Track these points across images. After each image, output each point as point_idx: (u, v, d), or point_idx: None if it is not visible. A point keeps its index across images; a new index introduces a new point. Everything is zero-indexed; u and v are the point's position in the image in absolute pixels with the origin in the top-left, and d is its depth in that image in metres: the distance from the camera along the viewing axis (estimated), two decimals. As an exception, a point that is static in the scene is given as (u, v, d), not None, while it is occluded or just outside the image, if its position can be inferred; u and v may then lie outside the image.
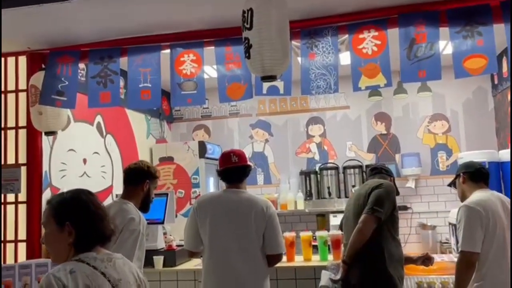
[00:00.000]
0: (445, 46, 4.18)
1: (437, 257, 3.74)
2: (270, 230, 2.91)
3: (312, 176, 5.88)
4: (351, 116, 6.20)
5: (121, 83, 3.70)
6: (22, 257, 3.57)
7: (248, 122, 6.44)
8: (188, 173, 5.73)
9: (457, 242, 3.11)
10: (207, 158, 5.78)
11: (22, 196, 3.67)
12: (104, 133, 4.92)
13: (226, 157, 3.06)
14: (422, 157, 5.85)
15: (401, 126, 6.06)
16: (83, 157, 4.52)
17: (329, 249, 3.98)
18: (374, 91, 5.91)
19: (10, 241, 3.66)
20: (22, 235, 3.63)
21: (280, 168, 6.29)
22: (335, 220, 5.30)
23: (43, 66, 3.66)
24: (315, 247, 4.08)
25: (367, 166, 5.59)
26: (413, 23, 3.10)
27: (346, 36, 3.29)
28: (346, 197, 5.65)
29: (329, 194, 5.76)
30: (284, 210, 5.72)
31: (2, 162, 3.71)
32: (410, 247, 5.47)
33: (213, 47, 3.47)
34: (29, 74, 3.70)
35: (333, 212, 5.57)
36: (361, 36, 3.19)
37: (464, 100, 5.92)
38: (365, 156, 6.08)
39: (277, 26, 2.60)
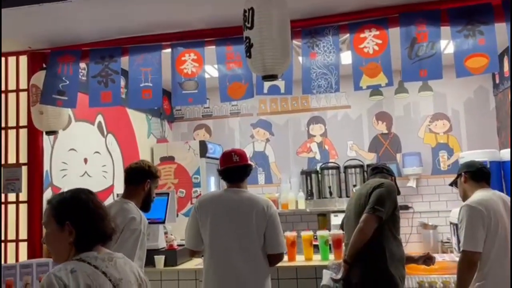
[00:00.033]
0: (447, 45, 4.18)
1: (438, 257, 3.73)
2: (271, 230, 2.91)
3: (313, 175, 5.87)
4: (352, 115, 6.19)
5: (122, 83, 3.70)
6: (23, 256, 3.58)
7: (249, 121, 6.44)
8: (189, 173, 5.73)
9: (458, 241, 3.11)
10: (208, 157, 5.77)
11: (23, 196, 3.68)
12: (105, 133, 4.92)
13: (227, 156, 3.06)
14: (423, 156, 5.84)
15: (402, 126, 6.05)
16: (84, 156, 4.52)
17: (330, 248, 3.97)
18: (375, 90, 5.90)
19: (11, 241, 3.66)
20: (23, 234, 3.63)
21: (281, 167, 6.28)
22: (336, 220, 5.29)
23: (44, 65, 3.66)
24: (316, 246, 4.07)
25: (368, 165, 5.59)
26: (414, 22, 3.09)
27: (347, 35, 3.29)
28: (347, 196, 5.64)
29: (330, 193, 5.75)
30: (285, 210, 5.71)
31: (3, 162, 3.72)
32: (411, 246, 5.47)
33: (214, 47, 3.47)
34: (30, 74, 3.70)
35: (334, 212, 5.56)
36: (362, 35, 3.19)
37: (465, 99, 5.92)
38: (366, 156, 6.07)
39: (278, 25, 2.60)
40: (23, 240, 3.63)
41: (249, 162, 3.12)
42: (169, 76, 3.49)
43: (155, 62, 3.50)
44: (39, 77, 3.59)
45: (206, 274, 2.95)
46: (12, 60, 3.87)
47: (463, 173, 3.12)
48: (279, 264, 3.10)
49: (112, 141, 5.03)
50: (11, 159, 3.75)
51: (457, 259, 2.92)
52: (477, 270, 2.80)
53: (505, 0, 2.96)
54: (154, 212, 3.56)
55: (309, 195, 5.82)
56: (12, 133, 3.79)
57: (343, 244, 3.53)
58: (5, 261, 3.59)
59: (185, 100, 3.52)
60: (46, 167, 3.86)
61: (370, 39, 3.17)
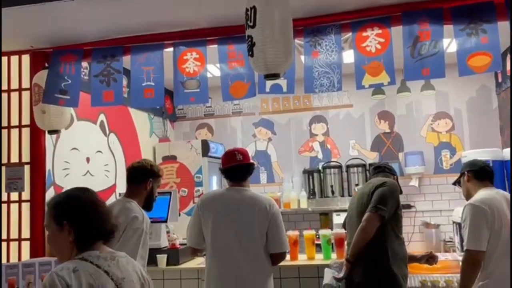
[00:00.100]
0: (449, 43, 4.17)
1: (441, 256, 3.72)
2: (274, 228, 2.90)
3: (315, 174, 5.86)
4: (354, 114, 6.18)
5: (124, 82, 3.69)
6: (25, 255, 3.58)
7: (251, 120, 6.43)
8: (191, 172, 5.73)
9: (462, 240, 3.10)
10: (210, 156, 5.77)
11: (26, 195, 3.68)
12: (107, 132, 4.92)
13: (231, 155, 3.06)
14: (425, 155, 5.83)
15: (405, 125, 6.04)
16: (86, 155, 4.52)
17: (332, 247, 3.97)
18: (378, 89, 5.88)
19: (14, 240, 3.67)
20: (26, 233, 3.64)
21: (283, 166, 6.28)
22: (338, 219, 5.29)
23: (46, 64, 3.67)
24: (318, 245, 4.07)
25: (370, 164, 5.57)
26: (417, 21, 3.09)
27: (350, 34, 3.28)
28: (349, 195, 5.64)
29: (332, 192, 5.75)
30: (287, 209, 5.71)
31: (6, 161, 3.72)
32: (414, 245, 5.45)
33: (216, 46, 3.47)
34: (32, 73, 3.71)
35: (336, 211, 5.56)
36: (364, 34, 3.18)
37: (468, 98, 5.90)
38: (368, 155, 6.07)
39: (281, 24, 2.60)
40: (25, 239, 3.63)
41: (252, 161, 3.13)
42: (171, 75, 3.49)
43: (157, 61, 3.50)
44: (42, 76, 3.59)
45: (207, 272, 2.96)
46: (14, 59, 3.87)
47: (466, 172, 3.11)
48: (282, 263, 3.10)
49: (114, 140, 5.04)
50: (14, 158, 3.75)
51: (460, 258, 2.92)
52: (481, 269, 2.79)
53: (507, -2, 2.95)
54: (156, 211, 3.57)
55: (311, 194, 5.81)
56: (14, 132, 3.80)
57: (345, 243, 3.52)
58: (8, 260, 3.60)
59: (187, 99, 3.52)
60: (48, 166, 3.86)
61: (372, 38, 3.16)
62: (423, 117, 6.00)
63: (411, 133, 6.00)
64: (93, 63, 3.59)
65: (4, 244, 3.63)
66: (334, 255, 3.91)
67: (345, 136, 6.15)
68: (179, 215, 4.69)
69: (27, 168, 3.69)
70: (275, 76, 2.70)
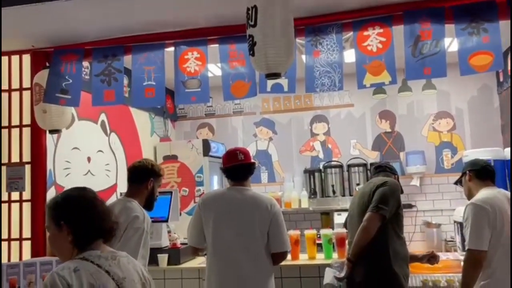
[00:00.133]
0: (451, 43, 4.16)
1: (442, 255, 3.72)
2: (275, 228, 2.90)
3: (316, 174, 5.86)
4: (355, 114, 6.17)
5: (125, 81, 3.69)
6: (26, 255, 3.59)
7: (252, 120, 6.43)
8: (192, 171, 5.73)
9: (463, 240, 3.10)
10: (211, 156, 5.77)
11: (27, 195, 3.68)
12: (108, 131, 4.92)
13: (232, 154, 3.06)
14: (426, 155, 5.82)
15: (406, 124, 6.03)
16: (87, 155, 4.52)
17: (333, 247, 3.97)
18: (379, 89, 5.88)
19: (15, 239, 3.67)
20: (27, 233, 3.64)
21: (284, 166, 6.27)
22: (339, 218, 5.29)
23: (47, 64, 3.67)
24: (319, 245, 4.07)
25: (371, 164, 5.55)
26: (418, 20, 3.08)
27: (351, 33, 3.27)
28: (350, 195, 5.64)
29: (333, 192, 5.75)
30: (288, 209, 5.71)
31: (7, 161, 3.72)
32: (415, 245, 5.43)
33: (217, 45, 3.47)
34: (33, 73, 3.71)
35: (337, 210, 5.56)
36: (365, 33, 3.18)
37: (469, 97, 5.89)
38: (370, 154, 6.06)
39: (282, 24, 2.59)
40: (26, 239, 3.63)
41: (253, 160, 3.12)
42: (172, 74, 3.48)
43: (158, 61, 3.50)
44: (42, 76, 3.59)
45: (208, 272, 2.96)
46: (15, 59, 3.87)
47: (467, 172, 3.11)
48: (283, 263, 3.10)
49: (115, 140, 5.04)
50: (15, 158, 3.75)
51: (461, 257, 2.91)
52: (482, 269, 2.79)
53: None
54: (157, 211, 3.57)
55: (312, 193, 5.81)
56: (15, 132, 3.80)
57: (347, 242, 3.52)
58: (9, 259, 3.61)
59: (188, 99, 3.52)
60: (49, 165, 3.86)
61: (373, 37, 3.15)
62: (424, 116, 5.99)
63: (412, 132, 5.99)
64: (94, 63, 3.59)
65: (5, 244, 3.63)
66: (335, 255, 3.91)
67: (346, 136, 6.14)
68: (180, 214, 4.69)
69: (28, 168, 3.69)
70: (276, 75, 2.69)
